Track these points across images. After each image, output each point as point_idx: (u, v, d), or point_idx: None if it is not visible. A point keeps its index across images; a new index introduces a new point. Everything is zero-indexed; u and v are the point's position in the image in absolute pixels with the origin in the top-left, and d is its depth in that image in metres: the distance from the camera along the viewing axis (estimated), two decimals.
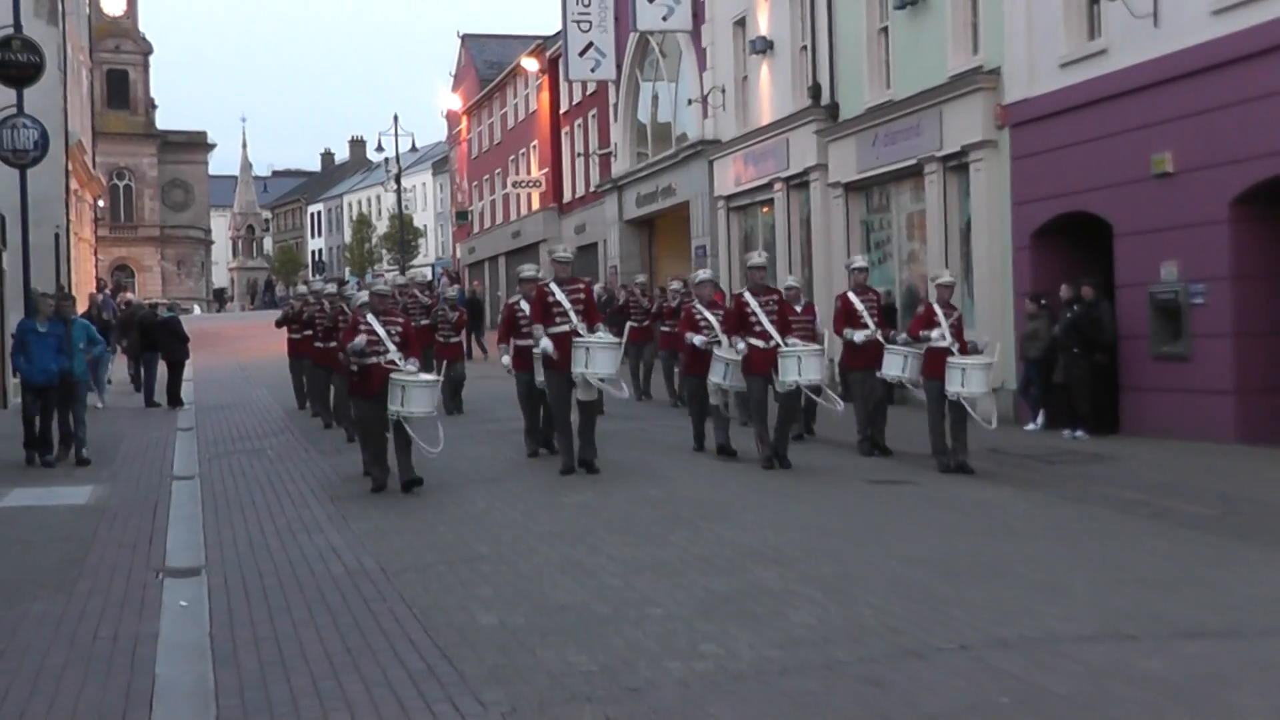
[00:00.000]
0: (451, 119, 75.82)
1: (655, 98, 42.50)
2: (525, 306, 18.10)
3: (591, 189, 48.97)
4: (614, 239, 45.40)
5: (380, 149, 73.66)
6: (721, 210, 36.31)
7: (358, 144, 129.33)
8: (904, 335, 18.63)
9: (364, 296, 16.78)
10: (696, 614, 9.62)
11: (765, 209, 34.14)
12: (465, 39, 73.91)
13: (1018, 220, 23.28)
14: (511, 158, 62.12)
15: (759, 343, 16.73)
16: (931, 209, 25.99)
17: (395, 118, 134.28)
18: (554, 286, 16.50)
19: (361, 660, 8.69)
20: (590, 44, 42.12)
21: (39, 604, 10.57)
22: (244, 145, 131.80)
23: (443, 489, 15.51)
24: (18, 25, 27.65)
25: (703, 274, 20.68)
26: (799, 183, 31.76)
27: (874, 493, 15.09)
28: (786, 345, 16.76)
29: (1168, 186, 19.68)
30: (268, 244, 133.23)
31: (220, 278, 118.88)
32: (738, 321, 17.13)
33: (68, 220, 41.32)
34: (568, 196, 53.22)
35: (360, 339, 15.20)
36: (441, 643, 9.00)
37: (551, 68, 52.55)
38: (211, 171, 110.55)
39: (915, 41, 26.44)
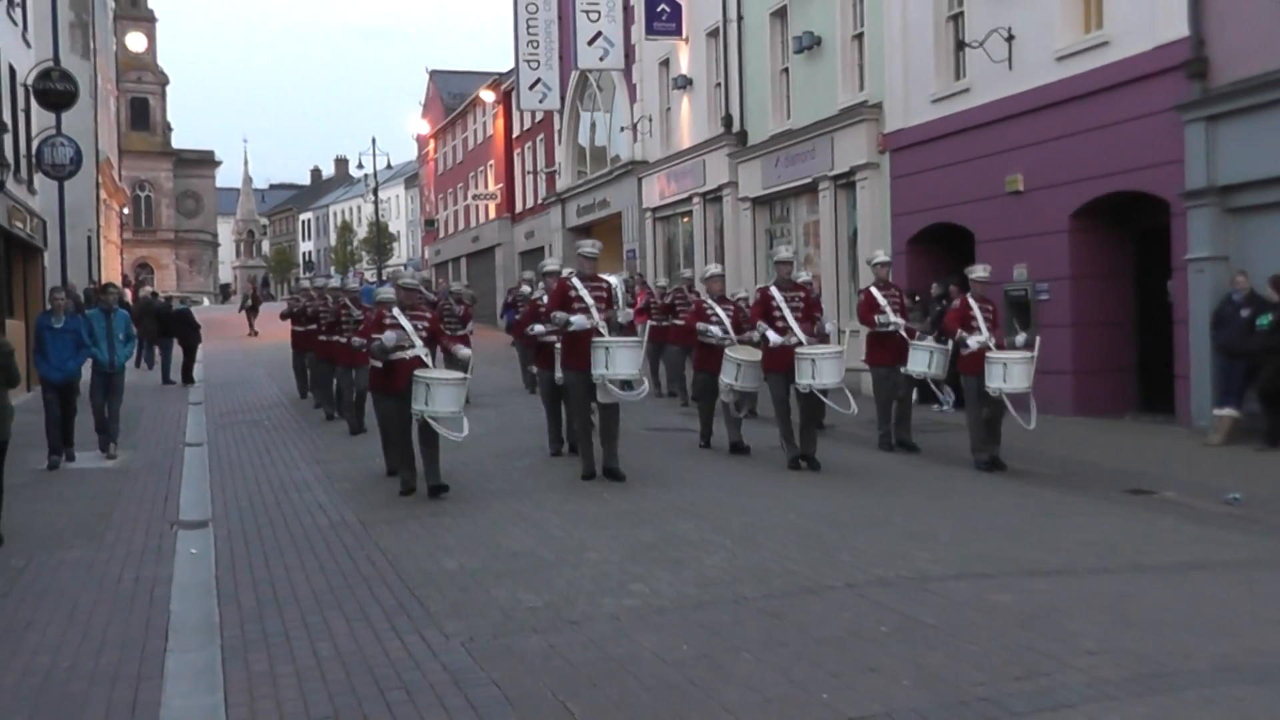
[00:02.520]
0: (421, 141, 75.50)
1: (593, 125, 42.46)
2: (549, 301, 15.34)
3: (539, 201, 48.84)
4: (558, 244, 45.31)
5: (360, 166, 73.67)
6: (648, 220, 36.33)
7: (342, 162, 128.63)
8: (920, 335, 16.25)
9: (387, 291, 14.19)
10: (626, 559, 9.65)
11: (685, 219, 34.13)
12: (433, 74, 74.03)
13: (896, 229, 23.42)
14: (471, 174, 61.93)
15: (780, 338, 14.27)
16: (824, 220, 26.10)
17: (373, 140, 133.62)
18: (576, 281, 13.76)
19: (342, 598, 8.73)
20: (539, 79, 42.00)
21: (74, 551, 10.62)
22: (245, 162, 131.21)
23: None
24: (57, 60, 28.34)
25: (713, 269, 17.32)
26: (713, 197, 31.77)
27: (780, 459, 15.05)
28: (806, 344, 14.24)
29: (1019, 202, 19.86)
30: (265, 246, 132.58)
31: (225, 275, 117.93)
32: (762, 316, 14.63)
33: (98, 225, 41.63)
34: (519, 208, 53.07)
35: (390, 334, 12.66)
36: (410, 583, 9.05)
37: (505, 99, 52.35)
38: (218, 184, 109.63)
39: (811, 80, 26.53)
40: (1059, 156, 18.85)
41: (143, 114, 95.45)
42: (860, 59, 24.91)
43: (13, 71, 26.99)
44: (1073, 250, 18.64)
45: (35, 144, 27.80)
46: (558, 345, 14.29)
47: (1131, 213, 18.37)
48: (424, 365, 12.82)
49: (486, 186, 58.13)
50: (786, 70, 27.93)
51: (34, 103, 28.13)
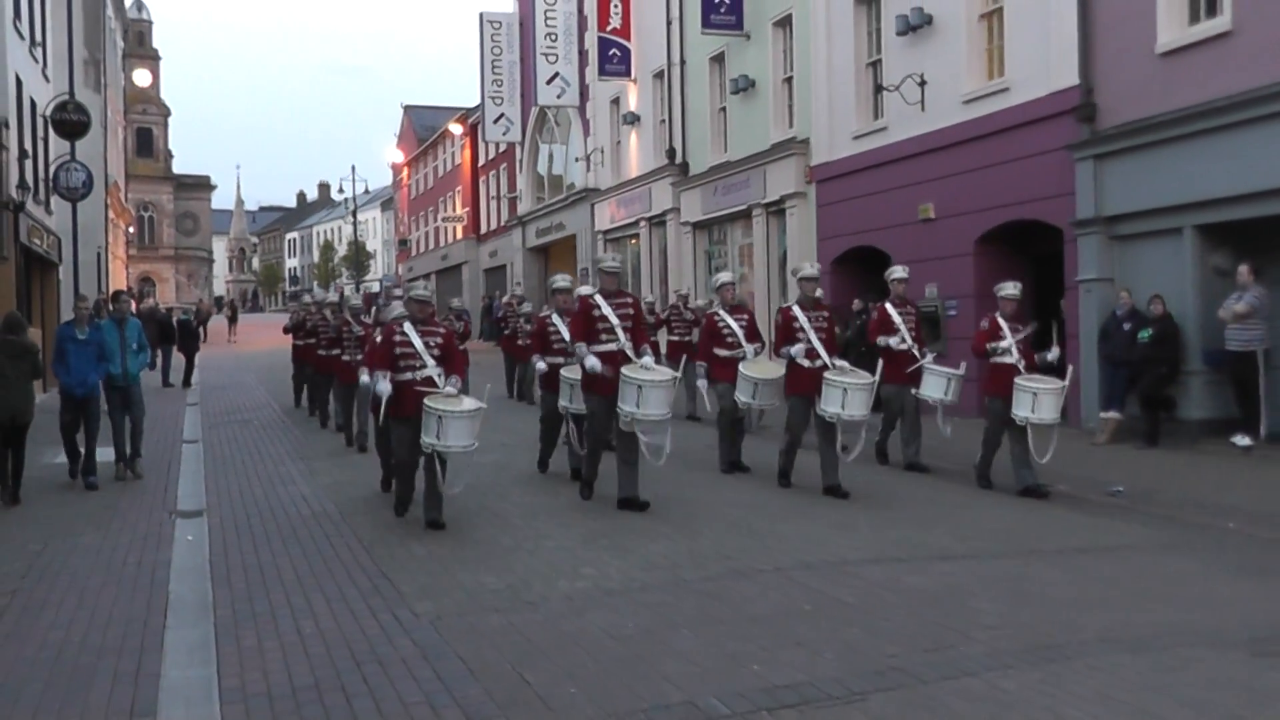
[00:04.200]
0: (396, 168, 75.40)
1: (551, 155, 42.43)
2: (558, 320, 13.36)
3: (502, 223, 48.75)
4: (519, 262, 45.29)
5: (341, 190, 72.89)
6: (600, 241, 36.26)
7: (324, 186, 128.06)
8: (932, 357, 14.21)
9: (398, 308, 12.26)
10: (578, 546, 9.66)
11: (633, 240, 34.17)
12: (407, 109, 74.33)
13: (821, 251, 23.52)
14: (441, 198, 61.81)
15: (805, 361, 12.11)
16: (758, 243, 26.21)
17: (353, 167, 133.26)
18: (599, 299, 11.36)
19: (323, 580, 8.70)
20: (502, 114, 42.01)
21: (84, 537, 10.55)
22: (238, 186, 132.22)
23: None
24: (72, 93, 29.13)
25: (724, 276, 14.82)
26: (658, 221, 31.83)
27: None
28: (834, 368, 12.11)
29: (930, 228, 20.02)
30: (255, 262, 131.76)
31: (219, 288, 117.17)
32: (785, 337, 12.40)
33: (106, 242, 41.93)
34: (484, 229, 52.93)
35: (385, 385, 10.48)
36: (384, 567, 9.03)
37: (472, 131, 52.26)
38: (213, 206, 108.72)
39: (746, 118, 26.63)
40: (965, 188, 19.03)
41: (147, 142, 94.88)
42: (790, 99, 25.03)
43: (33, 104, 27.50)
44: (977, 271, 18.77)
45: (52, 169, 28.26)
46: (566, 375, 12.76)
47: (1029, 238, 18.55)
48: (435, 387, 10.47)
49: (454, 210, 58.16)
50: (724, 109, 28.06)
51: (51, 132, 28.54)
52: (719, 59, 28.05)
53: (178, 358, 28.80)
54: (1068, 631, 7.00)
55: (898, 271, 14.44)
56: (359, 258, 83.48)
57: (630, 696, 5.92)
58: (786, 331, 12.35)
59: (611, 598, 7.96)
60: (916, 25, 19.94)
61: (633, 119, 33.26)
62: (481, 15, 42.40)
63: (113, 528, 10.97)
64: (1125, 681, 6.07)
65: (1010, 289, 12.86)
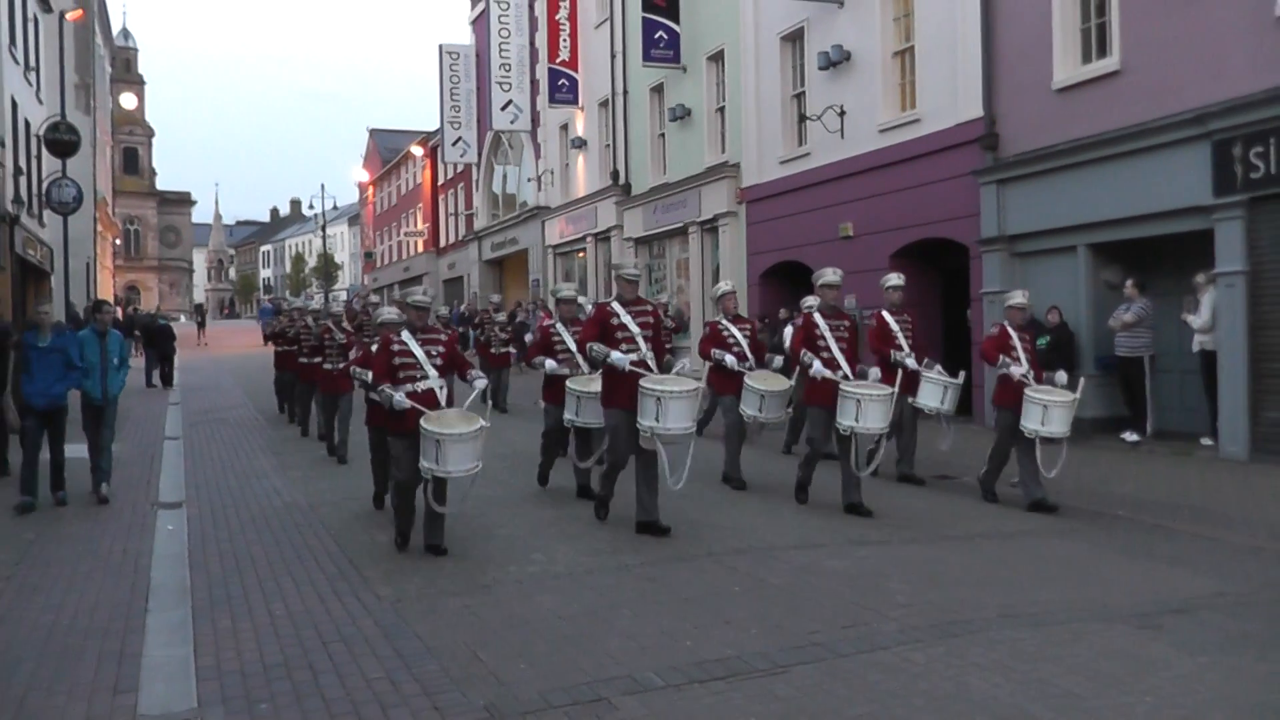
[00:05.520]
0: (362, 187, 74.91)
1: (505, 176, 42.26)
2: (563, 330, 11.88)
3: (460, 238, 48.49)
4: (475, 274, 45.06)
5: (312, 207, 73.10)
6: (550, 255, 36.20)
7: (296, 203, 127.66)
8: (934, 367, 12.70)
9: (389, 313, 11.00)
10: (529, 534, 9.65)
11: (580, 255, 34.09)
12: (372, 132, 74.13)
13: (750, 266, 23.64)
14: (404, 214, 61.55)
15: (826, 371, 10.66)
16: (693, 257, 26.25)
17: (323, 185, 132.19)
18: (618, 307, 9.88)
19: (293, 567, 8.64)
20: (460, 138, 41.82)
21: (73, 527, 10.43)
22: (216, 202, 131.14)
23: (352, 448, 14.43)
24: (64, 115, 29.21)
25: (724, 286, 12.89)
26: (603, 237, 31.78)
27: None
28: (852, 380, 10.68)
29: (850, 245, 20.15)
30: (232, 273, 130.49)
31: (199, 296, 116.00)
32: (804, 344, 10.90)
33: (95, 253, 41.83)
34: (443, 243, 52.67)
35: (401, 396, 8.81)
36: (349, 554, 8.98)
37: (432, 153, 52.01)
38: (194, 220, 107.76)
39: (683, 143, 26.69)
40: (881, 209, 19.18)
41: (133, 161, 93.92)
42: (722, 127, 25.10)
43: (28, 124, 27.62)
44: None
45: (45, 185, 28.17)
46: (572, 386, 11.14)
47: (938, 254, 18.72)
48: (436, 401, 9.01)
49: (416, 225, 57.94)
50: (663, 135, 28.10)
51: (44, 150, 28.48)
52: (658, 89, 28.09)
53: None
54: (972, 609, 7.09)
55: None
56: (328, 269, 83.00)
57: (575, 671, 5.92)
58: (808, 340, 10.89)
59: (559, 581, 7.96)
60: (837, 61, 20.10)
61: (580, 143, 33.23)
62: (441, 47, 42.29)
63: (100, 518, 10.82)
64: (1023, 653, 6.16)
65: (1019, 298, 11.61)
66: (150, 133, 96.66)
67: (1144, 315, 14.42)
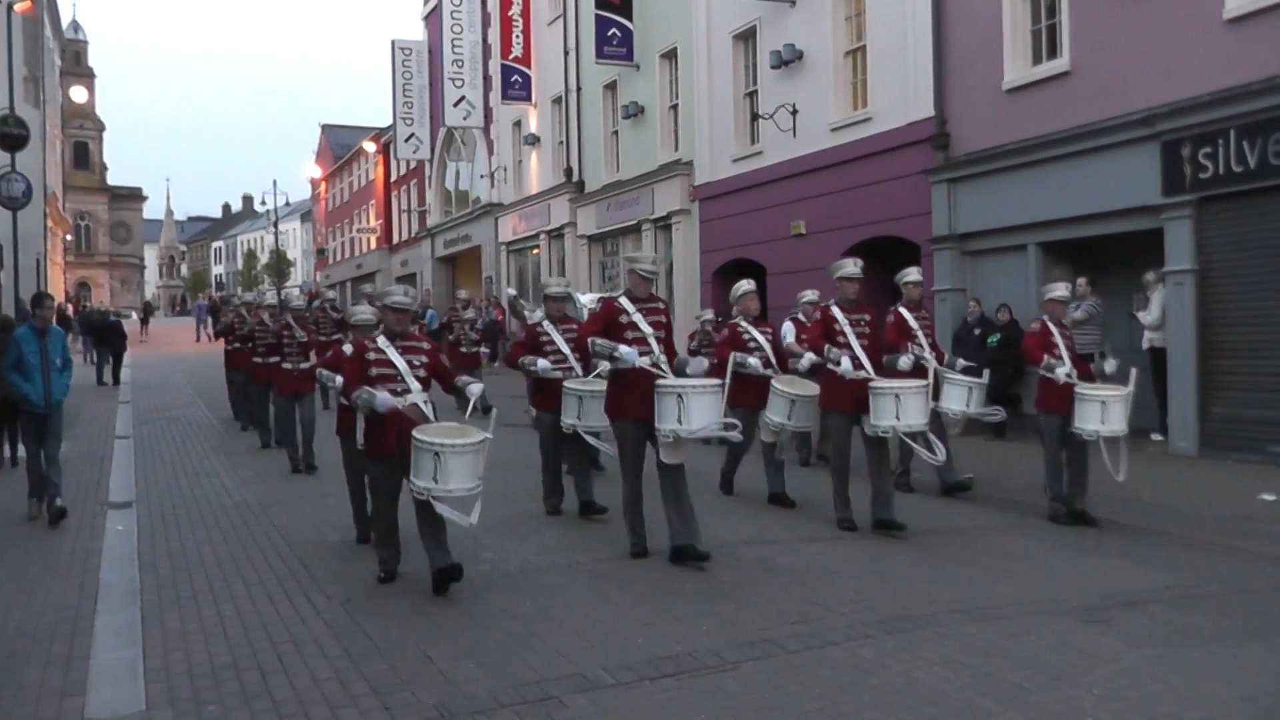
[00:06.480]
0: (314, 183, 74.20)
1: (458, 172, 42.13)
2: (551, 329, 10.51)
3: (413, 235, 48.27)
4: (428, 271, 44.89)
5: (264, 203, 72.32)
6: (503, 252, 36.14)
7: (248, 199, 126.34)
8: (957, 364, 11.35)
9: (363, 312, 9.81)
10: (481, 533, 9.54)
11: (534, 251, 34.04)
12: (324, 127, 73.44)
13: (704, 264, 23.69)
14: (356, 211, 61.17)
15: (859, 371, 9.58)
16: (646, 254, 26.25)
17: (275, 181, 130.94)
18: (626, 303, 8.56)
19: (243, 567, 8.56)
20: (413, 134, 41.67)
21: (22, 528, 10.30)
22: (168, 197, 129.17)
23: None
24: (12, 108, 28.38)
25: (745, 285, 11.57)
26: (557, 234, 31.75)
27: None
28: (877, 377, 9.62)
29: (801, 243, 20.25)
30: (184, 269, 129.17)
31: (151, 293, 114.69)
32: (824, 338, 9.83)
33: (45, 249, 41.31)
34: (396, 240, 52.41)
35: (384, 396, 7.51)
36: (299, 554, 8.91)
37: (385, 149, 51.73)
38: (145, 216, 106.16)
39: (636, 141, 26.70)
40: (833, 207, 19.28)
41: (83, 155, 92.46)
42: (675, 125, 25.14)
43: None
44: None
45: None
46: (571, 387, 9.94)
47: (890, 253, 18.81)
48: (423, 418, 7.63)
49: (368, 222, 57.62)
50: (616, 132, 28.11)
51: None
52: (612, 87, 28.09)
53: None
54: (921, 604, 7.13)
55: (913, 274, 11.54)
56: (280, 266, 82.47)
57: (525, 670, 5.90)
58: (828, 336, 9.83)
59: (509, 580, 7.93)
60: (789, 60, 20.18)
61: (533, 140, 33.17)
62: (394, 43, 42.09)
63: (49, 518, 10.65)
64: (971, 648, 6.20)
65: (1060, 290, 10.64)
66: (101, 127, 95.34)
67: (1094, 313, 14.58)
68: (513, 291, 15.31)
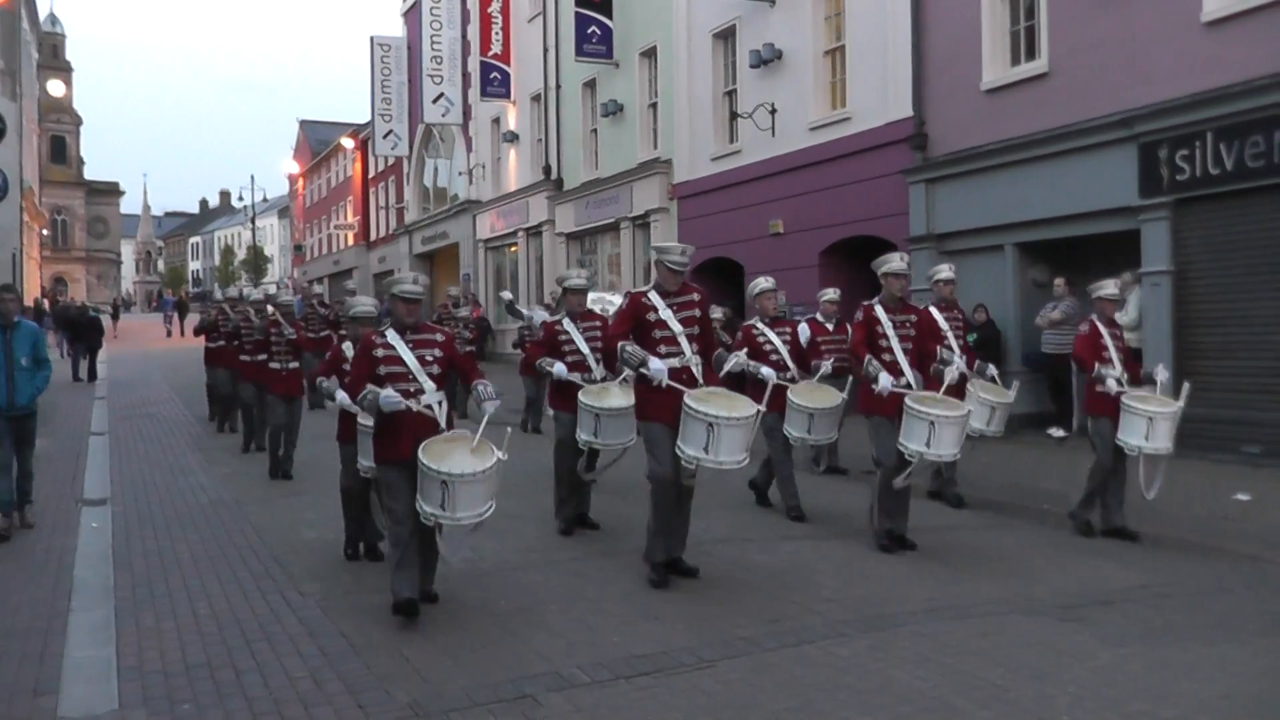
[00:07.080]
0: (292, 179, 73.89)
1: (436, 169, 42.02)
2: (570, 326, 9.65)
3: (390, 232, 48.16)
4: (406, 268, 44.75)
5: (241, 199, 71.73)
6: (481, 249, 36.03)
7: (225, 195, 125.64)
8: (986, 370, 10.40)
9: (363, 304, 9.13)
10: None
11: (512, 249, 33.99)
12: (303, 123, 73.05)
13: None
14: (334, 207, 60.88)
15: (890, 382, 8.66)
16: (625, 253, 26.26)
17: (252, 177, 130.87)
18: (656, 298, 7.78)
19: (219, 565, 8.53)
20: (391, 130, 41.54)
21: None
22: (145, 192, 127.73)
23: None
24: None
25: (764, 282, 10.85)
26: (535, 232, 31.70)
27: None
28: (916, 392, 8.72)
29: (779, 242, 20.28)
30: (161, 265, 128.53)
31: (127, 288, 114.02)
32: (865, 344, 8.90)
33: (21, 244, 41.18)
34: (374, 236, 52.25)
35: (391, 395, 6.76)
36: (275, 552, 8.90)
37: (363, 146, 51.56)
38: (122, 211, 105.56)
39: (615, 139, 26.69)
40: (811, 206, 19.31)
41: (60, 150, 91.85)
42: (654, 123, 25.14)
43: None
44: (822, 280, 18.89)
45: None
46: (586, 401, 9.03)
47: (868, 252, 18.73)
48: (435, 421, 6.91)
49: (346, 218, 57.38)
50: (595, 130, 28.09)
51: None
52: (591, 85, 28.07)
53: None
54: (897, 603, 7.16)
55: (944, 271, 11.25)
56: (257, 262, 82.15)
57: (500, 668, 5.89)
58: (868, 339, 8.99)
59: (487, 578, 7.92)
60: (768, 59, 20.21)
61: (512, 137, 33.09)
62: (372, 39, 41.94)
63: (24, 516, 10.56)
64: (947, 646, 6.22)
65: (1110, 287, 9.84)
66: (78, 121, 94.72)
67: (1072, 313, 14.64)
68: (508, 295, 15.36)
